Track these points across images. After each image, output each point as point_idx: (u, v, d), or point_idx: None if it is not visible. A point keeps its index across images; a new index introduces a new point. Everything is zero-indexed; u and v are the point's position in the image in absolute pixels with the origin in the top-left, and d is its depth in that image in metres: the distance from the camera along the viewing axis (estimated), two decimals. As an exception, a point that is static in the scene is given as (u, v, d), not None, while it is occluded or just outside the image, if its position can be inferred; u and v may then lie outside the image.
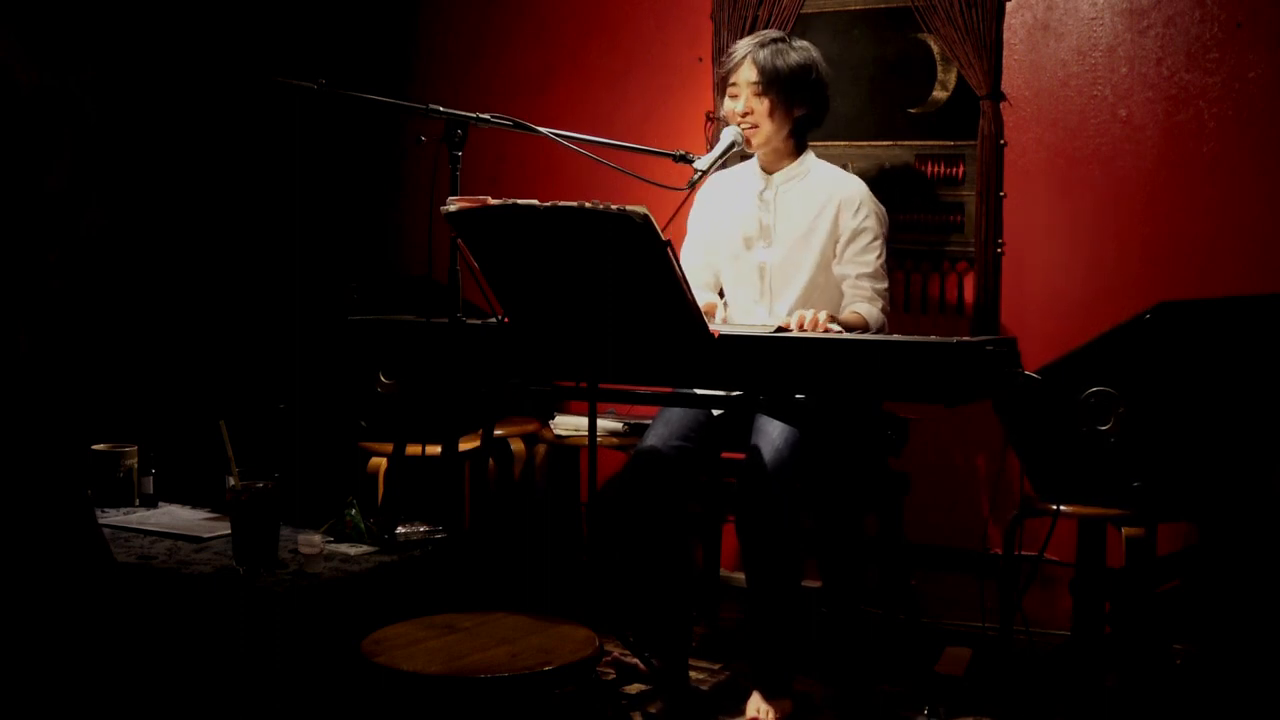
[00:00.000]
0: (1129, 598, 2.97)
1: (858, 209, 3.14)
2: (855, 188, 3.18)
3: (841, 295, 3.18)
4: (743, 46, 3.15)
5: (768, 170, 3.24)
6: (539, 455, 3.86)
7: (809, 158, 3.24)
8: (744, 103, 3.12)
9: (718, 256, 3.29)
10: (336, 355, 3.48)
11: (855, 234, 3.14)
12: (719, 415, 3.14)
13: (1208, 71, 3.35)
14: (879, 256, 3.15)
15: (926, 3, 3.56)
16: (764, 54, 3.09)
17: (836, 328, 2.85)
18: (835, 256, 3.16)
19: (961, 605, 3.55)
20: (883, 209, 3.21)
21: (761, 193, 3.23)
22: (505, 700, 2.05)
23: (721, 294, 3.36)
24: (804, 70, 3.12)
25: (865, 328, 3.06)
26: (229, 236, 4.14)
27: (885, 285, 3.17)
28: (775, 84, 3.09)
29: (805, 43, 3.20)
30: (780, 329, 2.69)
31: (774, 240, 3.20)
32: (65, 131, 3.71)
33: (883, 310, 3.13)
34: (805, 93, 3.13)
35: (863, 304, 3.12)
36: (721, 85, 3.20)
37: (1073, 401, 2.53)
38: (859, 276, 3.14)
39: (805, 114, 3.17)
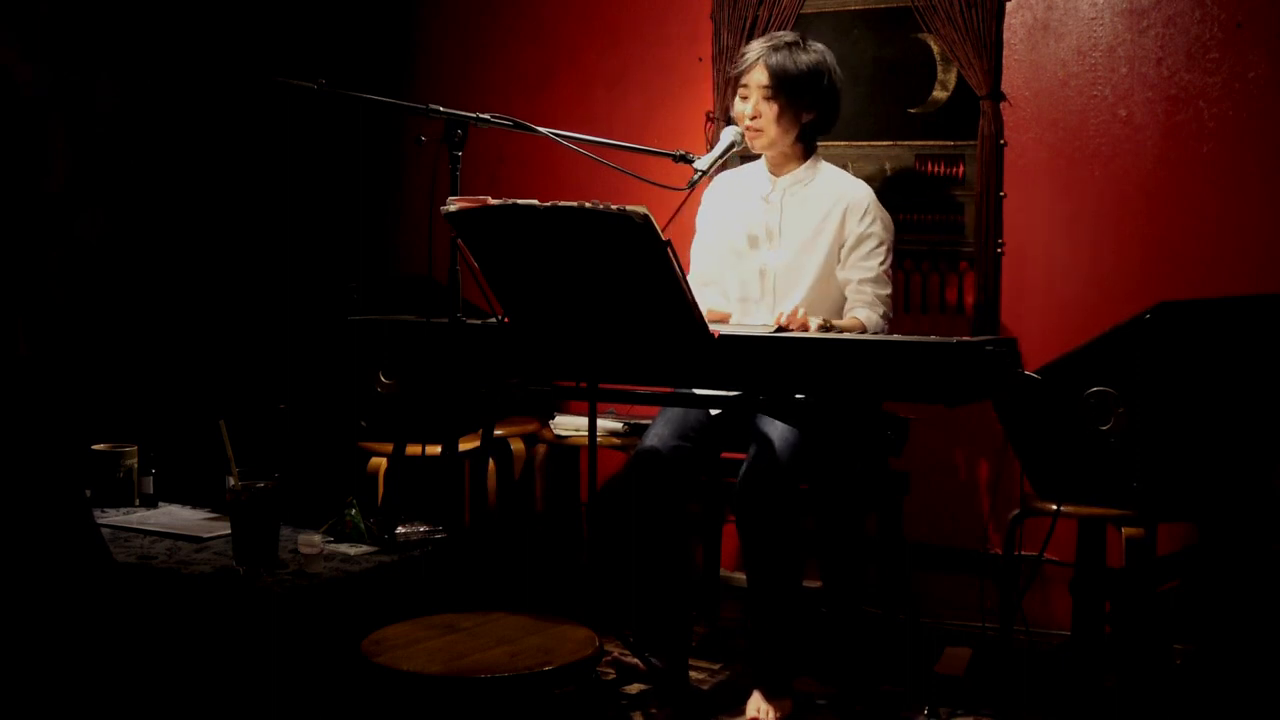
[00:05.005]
0: (1129, 598, 2.96)
1: (864, 214, 3.14)
2: (862, 193, 3.18)
3: (844, 300, 3.18)
4: (756, 48, 3.14)
5: (775, 173, 3.24)
6: (539, 455, 3.86)
7: (817, 161, 3.24)
8: (753, 105, 3.12)
9: (723, 256, 3.29)
10: (336, 355, 3.48)
11: (860, 239, 3.14)
12: (719, 415, 3.13)
13: (1208, 71, 3.35)
14: (883, 262, 3.15)
15: (926, 3, 3.56)
16: (777, 58, 3.09)
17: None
18: (839, 261, 3.16)
19: (961, 605, 3.55)
20: (888, 215, 3.21)
21: (768, 195, 3.23)
22: (505, 700, 2.05)
23: None
24: (816, 76, 3.12)
25: (863, 333, 3.05)
26: (229, 236, 4.14)
27: (888, 291, 3.16)
28: (785, 89, 3.09)
29: (820, 47, 3.19)
30: (780, 329, 2.69)
31: (779, 243, 3.20)
32: (65, 132, 3.71)
33: (884, 316, 3.13)
34: (815, 98, 3.14)
35: (863, 309, 3.12)
36: (732, 85, 3.20)
37: (1073, 401, 2.53)
38: (861, 281, 3.14)
39: (814, 119, 3.17)
